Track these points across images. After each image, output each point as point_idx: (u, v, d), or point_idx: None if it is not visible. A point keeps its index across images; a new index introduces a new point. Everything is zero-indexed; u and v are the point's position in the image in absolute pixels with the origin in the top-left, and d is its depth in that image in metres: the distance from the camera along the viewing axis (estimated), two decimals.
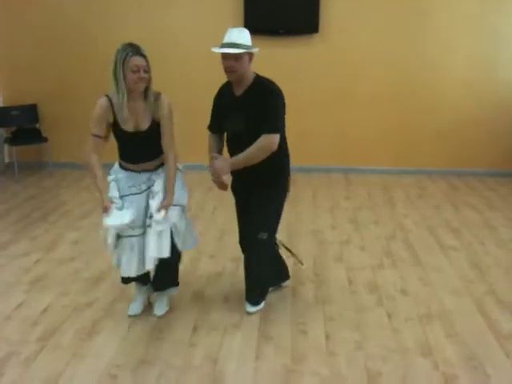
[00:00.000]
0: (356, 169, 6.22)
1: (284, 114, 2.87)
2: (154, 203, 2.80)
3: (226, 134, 3.05)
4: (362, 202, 5.20)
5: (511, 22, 5.63)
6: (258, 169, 2.85)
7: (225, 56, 2.73)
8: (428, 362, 2.69)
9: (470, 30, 5.69)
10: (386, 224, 4.62)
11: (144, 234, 2.85)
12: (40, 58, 6.11)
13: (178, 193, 2.91)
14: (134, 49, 2.62)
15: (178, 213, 2.93)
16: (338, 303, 3.27)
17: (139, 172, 2.87)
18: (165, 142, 2.83)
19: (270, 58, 5.70)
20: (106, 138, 2.83)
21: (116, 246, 2.90)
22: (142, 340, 2.90)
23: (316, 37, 5.77)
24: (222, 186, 2.99)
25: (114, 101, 2.71)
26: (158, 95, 2.78)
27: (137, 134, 2.78)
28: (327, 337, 2.92)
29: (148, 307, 3.21)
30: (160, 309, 3.16)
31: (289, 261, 3.54)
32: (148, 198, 2.86)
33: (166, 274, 3.07)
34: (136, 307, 3.17)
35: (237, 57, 2.70)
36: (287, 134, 2.96)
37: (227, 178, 2.95)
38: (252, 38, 2.77)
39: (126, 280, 3.07)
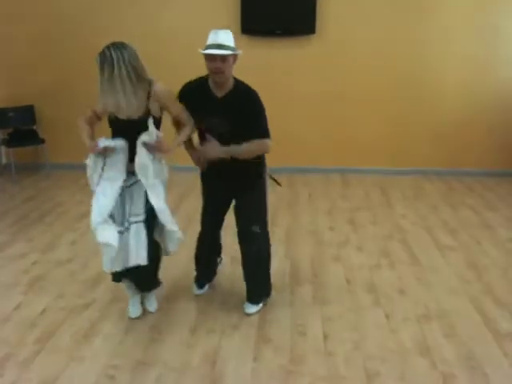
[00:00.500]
0: (353, 169, 6.23)
1: None
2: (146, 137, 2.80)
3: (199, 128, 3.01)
4: (359, 203, 5.21)
5: (511, 23, 5.65)
6: (246, 162, 2.91)
7: (212, 58, 2.71)
8: (426, 362, 2.70)
9: (470, 31, 5.70)
10: (383, 224, 4.62)
11: (123, 233, 2.86)
12: (37, 59, 6.10)
13: (158, 167, 2.93)
14: None
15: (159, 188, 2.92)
16: (336, 304, 3.28)
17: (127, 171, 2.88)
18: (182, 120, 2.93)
19: (267, 58, 5.69)
20: (98, 116, 2.91)
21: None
22: (140, 341, 2.89)
23: (313, 37, 5.78)
24: (201, 164, 3.04)
25: None
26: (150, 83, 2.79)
27: (128, 122, 2.79)
28: (325, 337, 2.92)
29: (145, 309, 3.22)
30: (152, 305, 3.21)
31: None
32: (126, 198, 2.88)
33: (146, 278, 3.10)
34: (136, 309, 3.17)
35: (224, 58, 2.71)
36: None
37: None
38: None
39: (116, 277, 3.08)
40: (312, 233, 4.42)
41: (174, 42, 5.88)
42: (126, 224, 2.85)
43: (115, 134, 2.85)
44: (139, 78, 2.70)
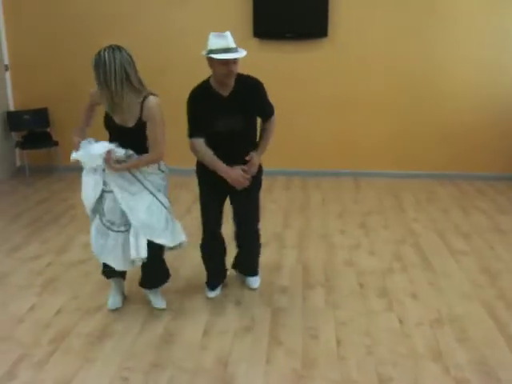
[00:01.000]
0: (365, 173, 6.21)
1: None
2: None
3: (207, 138, 3.00)
4: (371, 206, 5.20)
5: None
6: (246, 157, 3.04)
7: (226, 62, 2.73)
8: (439, 367, 2.69)
9: (482, 34, 5.68)
10: (395, 228, 4.61)
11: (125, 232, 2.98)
12: (51, 62, 6.16)
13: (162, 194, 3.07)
14: None
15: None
16: (349, 308, 3.28)
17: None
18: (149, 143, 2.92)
19: (279, 61, 5.69)
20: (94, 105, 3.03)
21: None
22: (153, 343, 2.91)
23: (325, 41, 5.78)
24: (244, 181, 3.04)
25: None
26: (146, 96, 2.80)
27: (122, 129, 2.85)
28: (338, 341, 2.92)
29: (154, 309, 3.23)
30: (160, 302, 3.26)
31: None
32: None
33: (154, 273, 3.19)
34: (117, 300, 3.27)
35: (236, 61, 2.75)
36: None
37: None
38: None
39: (108, 274, 3.21)
40: (324, 236, 4.42)
41: (185, 45, 5.86)
42: (127, 227, 2.96)
43: (111, 137, 2.93)
44: (130, 84, 2.71)
